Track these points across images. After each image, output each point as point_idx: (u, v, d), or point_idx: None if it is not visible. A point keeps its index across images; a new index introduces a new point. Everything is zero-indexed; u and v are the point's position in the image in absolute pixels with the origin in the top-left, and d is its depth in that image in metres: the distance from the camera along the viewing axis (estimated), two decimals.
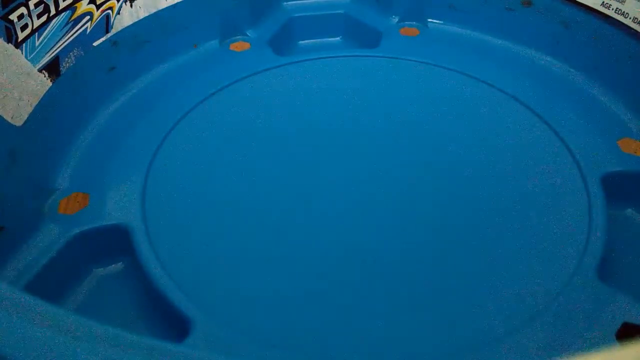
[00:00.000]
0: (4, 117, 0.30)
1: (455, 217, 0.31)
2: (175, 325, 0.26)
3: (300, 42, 0.51)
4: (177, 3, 0.45)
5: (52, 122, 0.35)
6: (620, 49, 0.41)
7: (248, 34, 0.48)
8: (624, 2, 0.40)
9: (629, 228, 0.32)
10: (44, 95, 0.34)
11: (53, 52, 0.35)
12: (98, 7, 0.39)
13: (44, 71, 0.34)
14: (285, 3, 0.51)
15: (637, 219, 0.33)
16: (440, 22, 0.50)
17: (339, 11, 0.51)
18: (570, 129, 0.37)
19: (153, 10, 0.43)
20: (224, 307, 0.27)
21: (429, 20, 0.50)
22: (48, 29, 0.35)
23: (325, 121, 0.38)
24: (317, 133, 0.37)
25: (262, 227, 0.31)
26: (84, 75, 0.38)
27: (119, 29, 0.41)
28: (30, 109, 0.33)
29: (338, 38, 0.51)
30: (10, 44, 0.31)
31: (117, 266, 0.30)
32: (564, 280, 0.27)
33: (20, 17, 0.32)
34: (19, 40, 0.32)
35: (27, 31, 0.33)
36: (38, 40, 0.34)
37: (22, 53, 0.32)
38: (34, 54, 0.33)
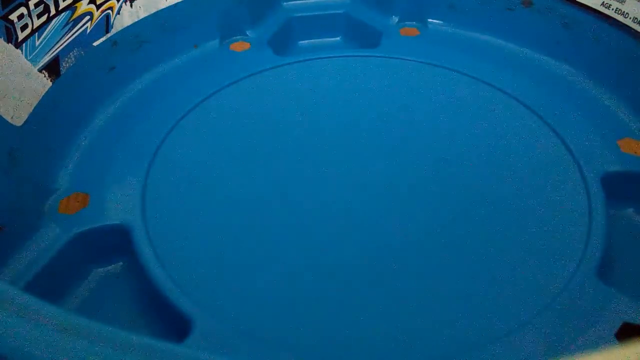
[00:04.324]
0: (4, 117, 0.30)
1: (454, 216, 0.31)
2: (175, 325, 0.26)
3: (300, 42, 0.51)
4: (177, 3, 0.45)
5: (52, 122, 0.35)
6: (620, 49, 0.41)
7: (248, 34, 0.48)
8: (624, 2, 0.40)
9: (629, 228, 0.32)
10: (44, 95, 0.34)
11: (53, 52, 0.35)
12: (98, 7, 0.39)
13: (44, 71, 0.34)
14: (285, 3, 0.51)
15: (637, 219, 0.33)
16: (440, 22, 0.50)
17: (339, 11, 0.51)
18: (570, 129, 0.37)
19: (153, 10, 0.43)
20: (224, 307, 0.27)
21: (429, 20, 0.50)
22: (48, 29, 0.35)
23: (325, 121, 0.38)
24: (317, 133, 0.37)
25: (263, 227, 0.31)
26: (84, 75, 0.38)
27: (119, 29, 0.41)
28: (30, 109, 0.33)
29: (338, 38, 0.51)
30: (10, 44, 0.31)
31: (117, 266, 0.30)
32: (564, 280, 0.27)
33: (20, 17, 0.32)
34: (19, 40, 0.32)
35: (27, 31, 0.33)
36: (38, 40, 0.34)
37: (22, 53, 0.32)
38: (34, 54, 0.33)
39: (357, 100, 0.40)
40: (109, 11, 0.40)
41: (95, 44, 0.39)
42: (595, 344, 0.25)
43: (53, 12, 0.35)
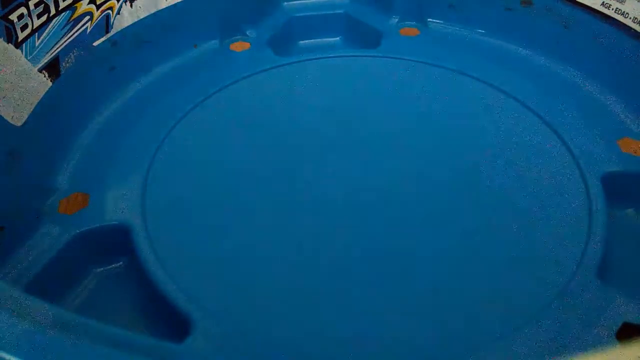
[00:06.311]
0: (4, 117, 0.30)
1: (455, 216, 0.31)
2: (175, 325, 0.26)
3: (300, 42, 0.51)
4: (177, 3, 0.45)
5: (52, 122, 0.35)
6: (620, 49, 0.41)
7: (248, 34, 0.48)
8: (624, 2, 0.40)
9: (629, 228, 0.32)
10: (44, 95, 0.34)
11: (53, 52, 0.35)
12: (98, 7, 0.39)
13: (44, 71, 0.34)
14: (285, 3, 0.51)
15: (637, 219, 0.33)
16: (440, 22, 0.50)
17: (339, 11, 0.51)
18: (570, 129, 0.37)
19: (153, 10, 0.43)
20: (224, 307, 0.27)
21: (429, 20, 0.50)
22: (48, 29, 0.35)
23: (324, 120, 0.38)
24: (317, 131, 0.37)
25: (262, 227, 0.31)
26: (84, 75, 0.38)
27: (119, 29, 0.41)
28: (30, 109, 0.33)
29: (338, 38, 0.51)
30: (10, 44, 0.31)
31: (117, 266, 0.30)
32: (564, 280, 0.27)
33: (20, 17, 0.32)
34: (19, 40, 0.32)
35: (27, 31, 0.33)
36: (38, 40, 0.34)
37: (22, 53, 0.32)
38: (34, 54, 0.33)
39: (357, 99, 0.40)
40: (109, 11, 0.40)
41: (95, 44, 0.39)
42: (595, 344, 0.25)
43: (53, 12, 0.35)
